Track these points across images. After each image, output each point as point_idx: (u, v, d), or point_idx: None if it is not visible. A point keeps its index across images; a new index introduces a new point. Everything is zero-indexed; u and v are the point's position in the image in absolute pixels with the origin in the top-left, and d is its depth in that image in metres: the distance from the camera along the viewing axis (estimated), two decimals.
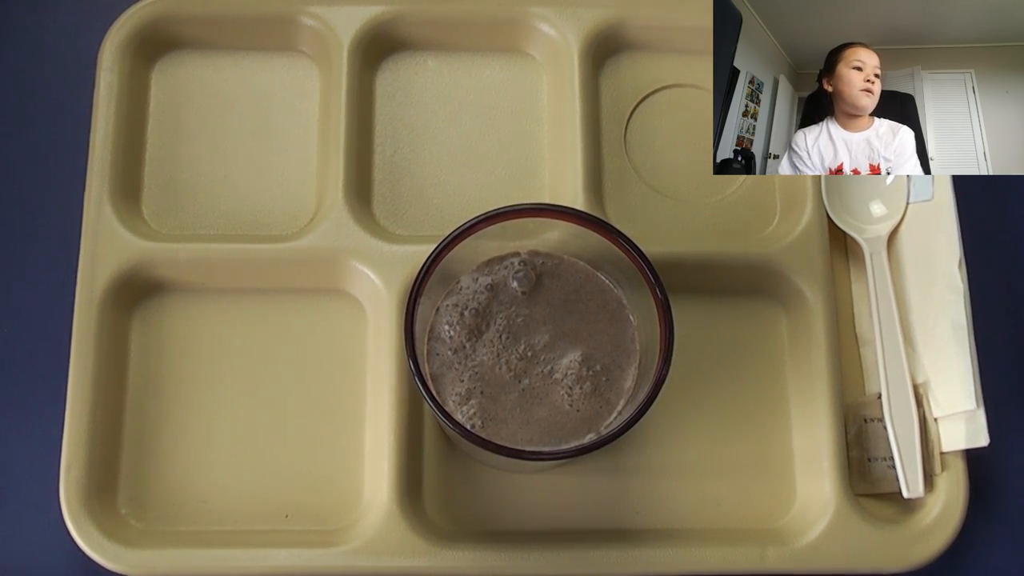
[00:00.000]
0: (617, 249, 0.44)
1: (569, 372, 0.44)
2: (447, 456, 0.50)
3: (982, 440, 0.48)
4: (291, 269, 0.51)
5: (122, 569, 0.47)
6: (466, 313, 0.45)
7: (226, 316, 0.52)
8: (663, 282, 0.43)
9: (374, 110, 0.55)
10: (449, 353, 0.45)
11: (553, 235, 0.46)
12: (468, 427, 0.43)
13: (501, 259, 0.46)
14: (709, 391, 0.51)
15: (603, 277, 0.46)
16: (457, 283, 0.46)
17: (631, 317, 0.45)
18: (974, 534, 0.50)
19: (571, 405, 0.44)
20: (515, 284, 0.45)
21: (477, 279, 0.46)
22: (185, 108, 0.55)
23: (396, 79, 0.56)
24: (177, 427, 0.50)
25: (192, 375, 0.51)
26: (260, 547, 0.47)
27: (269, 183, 0.54)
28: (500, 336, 0.45)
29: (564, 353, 0.45)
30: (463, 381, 0.44)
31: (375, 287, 0.51)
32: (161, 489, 0.49)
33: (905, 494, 0.48)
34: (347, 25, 0.54)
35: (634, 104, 0.55)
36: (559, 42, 0.55)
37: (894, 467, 0.48)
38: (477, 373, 0.44)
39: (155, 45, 0.55)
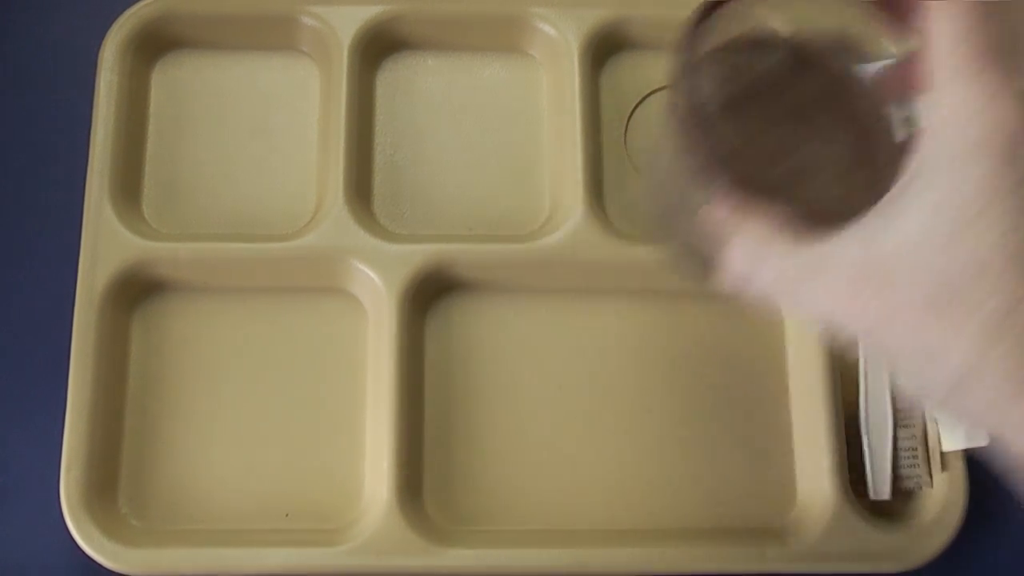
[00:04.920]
0: None
1: None
2: (447, 455, 0.50)
3: (982, 440, 0.48)
4: (291, 269, 0.51)
5: (122, 568, 0.47)
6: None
7: (226, 316, 0.52)
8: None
9: (374, 110, 0.55)
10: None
11: None
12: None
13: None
14: (709, 391, 0.51)
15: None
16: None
17: None
18: (974, 534, 0.50)
19: None
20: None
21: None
22: (185, 108, 0.55)
23: (396, 79, 0.56)
24: (177, 427, 0.50)
25: (192, 375, 0.51)
26: (260, 546, 0.47)
27: (269, 183, 0.54)
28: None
29: None
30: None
31: (375, 287, 0.51)
32: (161, 489, 0.49)
33: (872, 496, 0.49)
34: (347, 25, 0.54)
35: (634, 104, 0.55)
36: (559, 42, 0.55)
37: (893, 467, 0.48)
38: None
39: (155, 45, 0.55)
